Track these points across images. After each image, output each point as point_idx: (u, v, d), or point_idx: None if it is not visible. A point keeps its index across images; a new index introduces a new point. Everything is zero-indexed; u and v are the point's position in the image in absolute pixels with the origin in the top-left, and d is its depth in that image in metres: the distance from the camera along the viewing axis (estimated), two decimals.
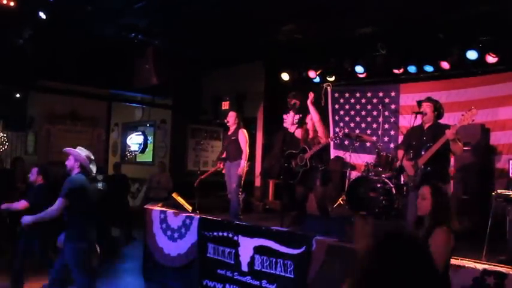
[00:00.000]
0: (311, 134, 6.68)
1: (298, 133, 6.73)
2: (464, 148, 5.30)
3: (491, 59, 6.93)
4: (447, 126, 4.88)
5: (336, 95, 9.29)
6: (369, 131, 8.67)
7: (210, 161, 11.75)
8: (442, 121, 5.37)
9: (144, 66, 8.86)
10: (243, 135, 6.87)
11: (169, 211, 6.77)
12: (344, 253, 4.47)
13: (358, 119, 8.97)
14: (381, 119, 8.06)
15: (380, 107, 8.15)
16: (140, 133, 13.01)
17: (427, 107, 5.15)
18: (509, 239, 4.60)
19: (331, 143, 8.25)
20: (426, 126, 5.15)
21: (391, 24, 7.55)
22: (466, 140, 6.44)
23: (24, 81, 9.32)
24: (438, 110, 5.18)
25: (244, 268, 5.44)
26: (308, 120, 6.71)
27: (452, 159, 6.40)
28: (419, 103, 5.31)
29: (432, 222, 3.24)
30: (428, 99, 5.26)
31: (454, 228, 3.19)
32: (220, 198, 7.78)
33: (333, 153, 9.08)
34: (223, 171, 7.16)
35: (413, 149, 5.19)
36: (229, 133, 7.06)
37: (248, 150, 6.88)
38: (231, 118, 7.04)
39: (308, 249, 4.79)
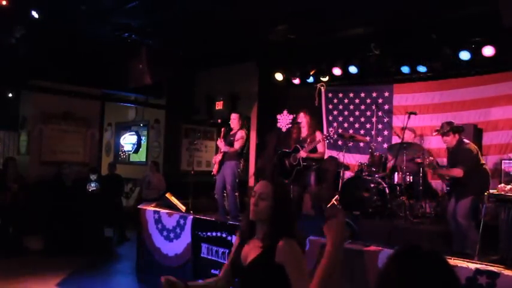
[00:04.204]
0: (304, 133, 6.69)
1: (292, 132, 6.76)
2: None
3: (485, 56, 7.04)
4: (463, 150, 5.60)
5: (330, 95, 9.30)
6: (362, 131, 8.69)
7: (204, 161, 11.74)
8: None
9: (137, 66, 8.83)
10: (240, 135, 6.86)
11: (163, 211, 6.75)
12: None
13: (351, 119, 8.99)
14: (374, 119, 8.08)
15: (373, 107, 8.17)
16: (134, 133, 12.97)
17: (449, 137, 5.72)
18: (501, 239, 4.63)
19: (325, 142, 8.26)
20: (450, 148, 5.84)
21: (384, 24, 7.58)
22: None
23: (16, 81, 9.27)
24: (457, 130, 5.72)
25: None
26: (301, 119, 6.72)
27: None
28: (443, 135, 5.80)
29: (274, 232, 2.43)
30: (450, 130, 5.71)
31: (300, 241, 2.49)
32: (213, 199, 7.78)
33: (327, 153, 9.08)
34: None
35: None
36: (231, 132, 7.01)
37: (239, 150, 6.85)
38: (235, 121, 6.96)
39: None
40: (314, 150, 6.52)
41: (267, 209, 2.45)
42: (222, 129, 7.22)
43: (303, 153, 6.44)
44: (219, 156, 6.94)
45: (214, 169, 6.99)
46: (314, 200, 6.66)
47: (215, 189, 7.03)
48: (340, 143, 8.44)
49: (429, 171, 6.68)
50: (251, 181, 10.02)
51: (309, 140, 6.57)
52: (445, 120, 6.02)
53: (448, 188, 5.73)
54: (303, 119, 6.70)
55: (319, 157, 6.68)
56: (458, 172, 5.48)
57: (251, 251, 2.49)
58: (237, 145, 6.78)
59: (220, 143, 6.87)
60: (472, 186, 5.42)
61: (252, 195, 2.51)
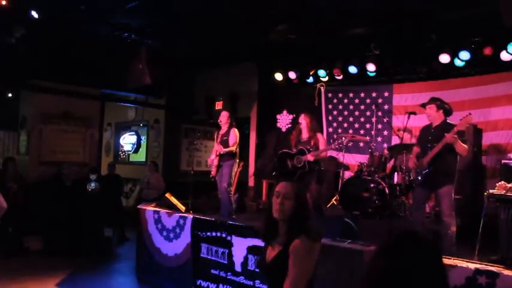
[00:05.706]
0: (304, 135, 6.70)
1: (291, 133, 6.79)
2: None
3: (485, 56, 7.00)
4: (453, 126, 5.02)
5: (330, 95, 9.29)
6: (362, 131, 8.69)
7: (204, 161, 11.75)
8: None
9: (137, 66, 8.83)
10: (234, 135, 6.90)
11: (163, 211, 6.75)
12: (337, 253, 4.48)
13: (351, 119, 8.98)
14: (374, 119, 8.08)
15: (373, 107, 8.18)
16: (133, 133, 12.97)
17: (430, 109, 5.36)
18: (500, 239, 4.63)
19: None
20: (434, 125, 5.36)
21: (384, 24, 7.58)
22: None
23: (16, 81, 9.27)
24: (443, 107, 5.33)
25: (238, 268, 5.44)
26: (301, 120, 6.74)
27: None
28: (424, 106, 5.48)
29: (291, 229, 2.60)
30: (431, 100, 5.42)
31: (315, 238, 2.59)
32: (213, 199, 7.79)
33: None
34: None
35: (422, 147, 5.40)
36: (222, 132, 7.08)
37: (237, 150, 6.90)
38: (224, 117, 7.09)
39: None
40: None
41: (291, 208, 2.59)
42: (215, 133, 7.31)
43: (310, 157, 6.46)
44: (215, 160, 6.97)
45: (213, 171, 7.03)
46: (314, 200, 6.67)
47: (218, 190, 7.07)
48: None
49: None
50: (251, 181, 10.03)
51: (312, 142, 6.59)
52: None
53: (419, 178, 5.28)
54: (303, 120, 6.73)
55: (324, 159, 6.85)
56: (464, 149, 5.02)
57: (273, 250, 2.68)
58: (233, 143, 6.87)
59: (218, 146, 6.90)
60: (452, 173, 5.17)
61: (276, 196, 2.65)
